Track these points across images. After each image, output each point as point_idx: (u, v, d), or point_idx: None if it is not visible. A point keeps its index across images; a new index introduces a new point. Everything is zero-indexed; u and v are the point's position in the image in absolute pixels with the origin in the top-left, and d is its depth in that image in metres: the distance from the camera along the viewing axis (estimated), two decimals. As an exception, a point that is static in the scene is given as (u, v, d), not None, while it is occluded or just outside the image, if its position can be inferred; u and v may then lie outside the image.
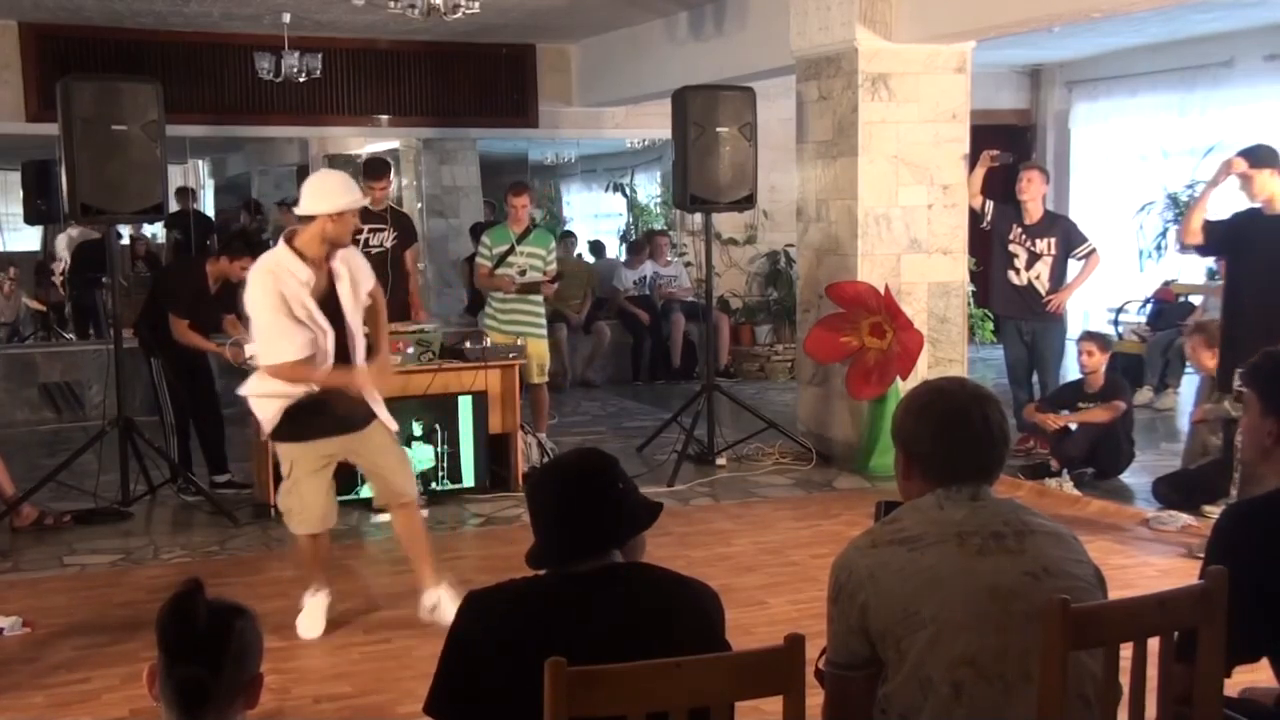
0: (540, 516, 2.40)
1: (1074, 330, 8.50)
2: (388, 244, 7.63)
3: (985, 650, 2.19)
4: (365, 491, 6.05)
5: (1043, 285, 7.49)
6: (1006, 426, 2.39)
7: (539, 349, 7.52)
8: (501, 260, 7.48)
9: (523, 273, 7.47)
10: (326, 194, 4.49)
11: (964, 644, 2.19)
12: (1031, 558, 2.26)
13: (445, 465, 6.74)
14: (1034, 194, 7.50)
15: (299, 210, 4.54)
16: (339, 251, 4.57)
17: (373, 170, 7.69)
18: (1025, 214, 7.52)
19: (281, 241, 4.52)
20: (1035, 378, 7.73)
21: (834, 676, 2.31)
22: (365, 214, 7.67)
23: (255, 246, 8.21)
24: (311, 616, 4.78)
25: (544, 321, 7.69)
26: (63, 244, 11.10)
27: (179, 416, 7.14)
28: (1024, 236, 7.50)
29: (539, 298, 7.61)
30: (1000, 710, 2.18)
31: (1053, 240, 7.49)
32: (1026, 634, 2.18)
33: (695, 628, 2.30)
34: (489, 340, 7.07)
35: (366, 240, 7.64)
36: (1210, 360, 6.21)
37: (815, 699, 2.22)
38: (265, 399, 4.60)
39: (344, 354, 4.59)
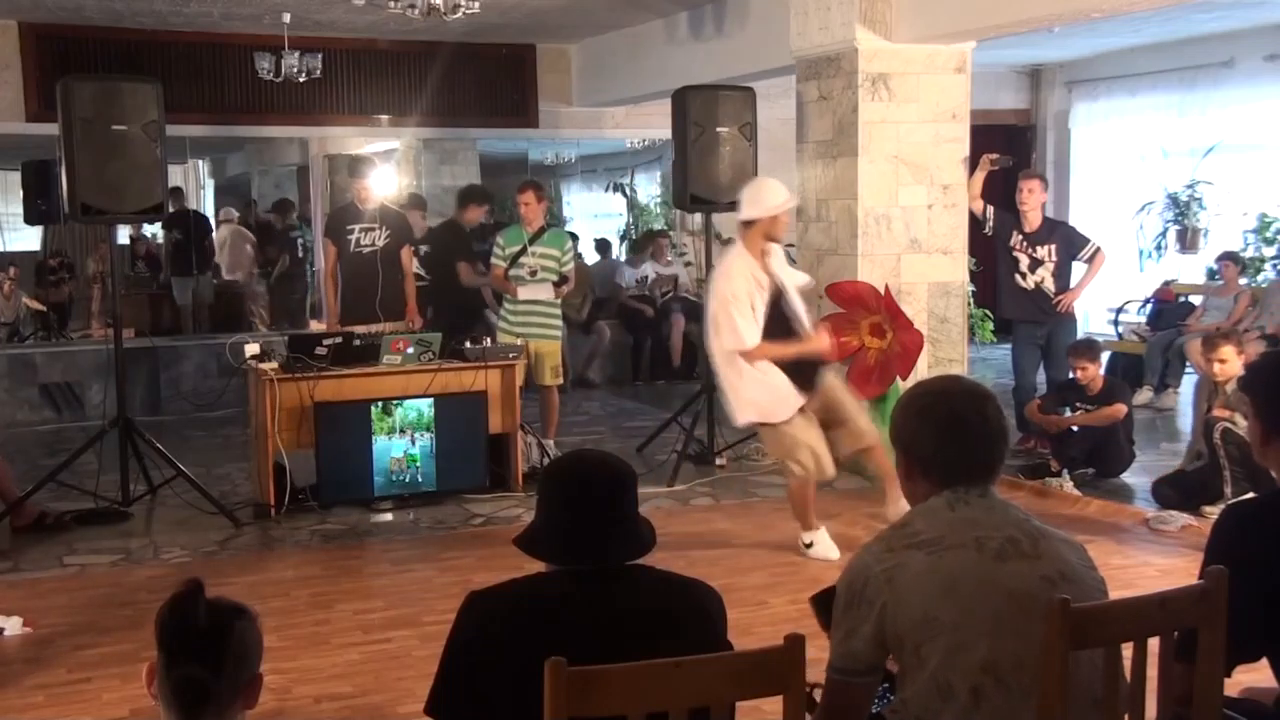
0: (554, 509, 2.36)
1: (1084, 328, 8.47)
2: (379, 243, 7.59)
3: (1005, 657, 2.18)
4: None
5: (1049, 288, 7.51)
6: (1005, 422, 2.40)
7: (552, 351, 7.45)
8: (514, 261, 7.38)
9: (534, 273, 7.34)
10: (766, 197, 5.44)
11: (985, 650, 2.18)
12: (1048, 562, 2.26)
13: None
14: (1034, 204, 7.53)
15: (743, 216, 5.52)
16: (772, 258, 5.57)
17: (355, 170, 7.79)
18: (1024, 222, 7.54)
19: (740, 244, 5.59)
20: (1041, 375, 7.74)
21: (833, 681, 2.30)
22: (354, 213, 7.68)
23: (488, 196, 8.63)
24: (825, 543, 5.65)
25: (558, 323, 7.58)
26: None
27: None
28: (1024, 244, 7.54)
29: (552, 299, 7.46)
30: (1018, 717, 2.18)
31: (1052, 247, 7.52)
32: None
33: (697, 628, 2.30)
34: (486, 340, 7.06)
35: (357, 240, 7.59)
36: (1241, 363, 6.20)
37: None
38: (760, 387, 5.46)
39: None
